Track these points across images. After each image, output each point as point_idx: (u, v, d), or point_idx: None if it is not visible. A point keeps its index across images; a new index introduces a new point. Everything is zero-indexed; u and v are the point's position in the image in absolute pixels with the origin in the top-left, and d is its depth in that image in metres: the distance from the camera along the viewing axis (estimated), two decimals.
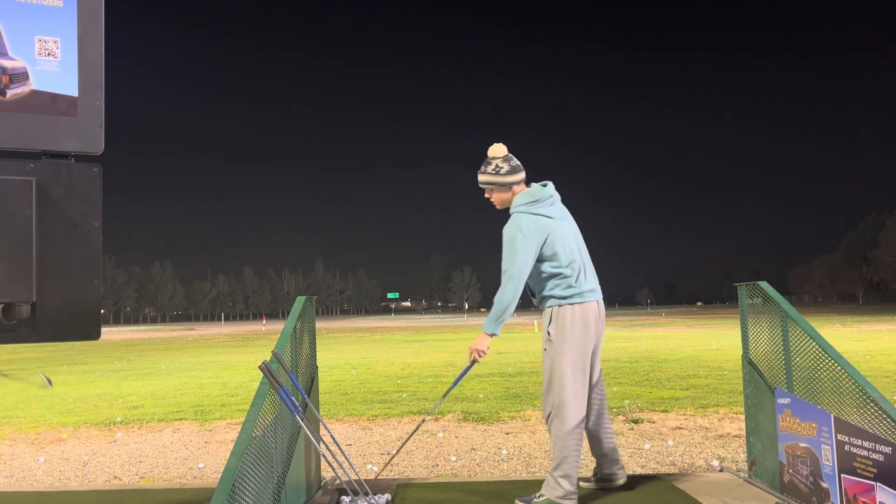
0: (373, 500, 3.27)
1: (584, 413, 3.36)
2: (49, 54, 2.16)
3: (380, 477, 4.19)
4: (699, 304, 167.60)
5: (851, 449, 2.84)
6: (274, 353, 3.16)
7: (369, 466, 4.83)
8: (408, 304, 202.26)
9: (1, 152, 2.12)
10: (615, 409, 6.91)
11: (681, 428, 6.01)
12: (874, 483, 2.71)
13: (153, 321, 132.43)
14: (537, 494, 3.34)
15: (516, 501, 3.38)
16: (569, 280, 3.37)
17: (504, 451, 5.24)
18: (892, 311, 50.17)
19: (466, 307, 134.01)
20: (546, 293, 3.42)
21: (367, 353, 17.23)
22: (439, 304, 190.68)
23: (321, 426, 3.80)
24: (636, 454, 5.08)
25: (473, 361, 3.49)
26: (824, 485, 3.02)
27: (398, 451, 4.12)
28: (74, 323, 2.16)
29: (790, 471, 3.33)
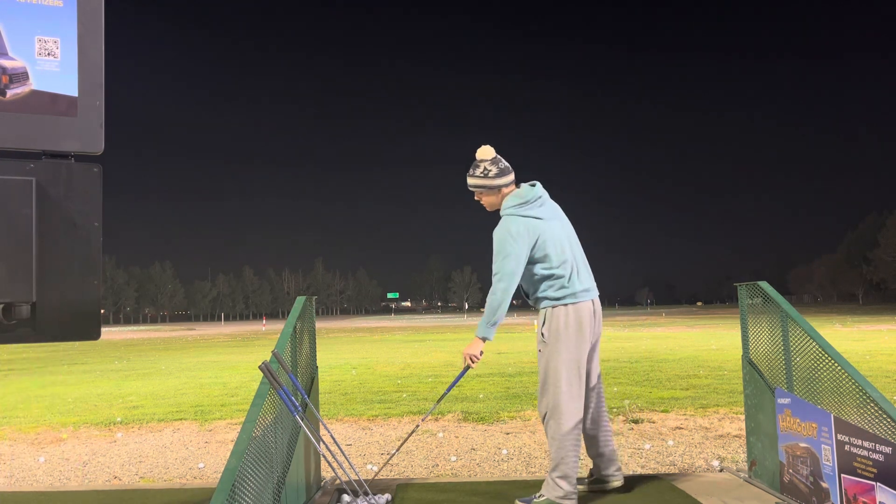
0: (373, 501, 3.27)
1: (580, 413, 3.36)
2: (49, 54, 2.16)
3: (379, 477, 4.19)
4: (699, 304, 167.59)
5: (851, 449, 2.84)
6: (274, 353, 3.16)
7: (369, 466, 4.83)
8: (408, 304, 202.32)
9: (1, 152, 2.12)
10: (615, 410, 6.91)
11: (681, 428, 6.01)
12: (874, 483, 2.71)
13: (153, 321, 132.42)
14: (537, 495, 3.34)
15: (516, 502, 3.38)
16: (562, 280, 3.36)
17: (504, 451, 5.24)
18: (892, 311, 50.17)
19: (466, 307, 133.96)
20: (540, 294, 3.42)
21: (367, 353, 17.23)
22: (439, 304, 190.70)
23: (321, 426, 3.80)
24: (636, 454, 5.08)
25: (467, 367, 3.49)
26: (824, 485, 3.02)
27: (394, 454, 4.12)
28: (74, 323, 2.16)
29: (790, 471, 3.33)
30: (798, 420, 3.25)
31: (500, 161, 3.49)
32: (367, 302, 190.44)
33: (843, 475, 2.90)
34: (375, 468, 4.72)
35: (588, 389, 3.50)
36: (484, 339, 3.38)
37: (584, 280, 3.44)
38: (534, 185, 3.50)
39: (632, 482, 3.75)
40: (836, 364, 3.09)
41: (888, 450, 2.64)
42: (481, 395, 8.26)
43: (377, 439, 5.91)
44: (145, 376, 12.56)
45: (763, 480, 3.69)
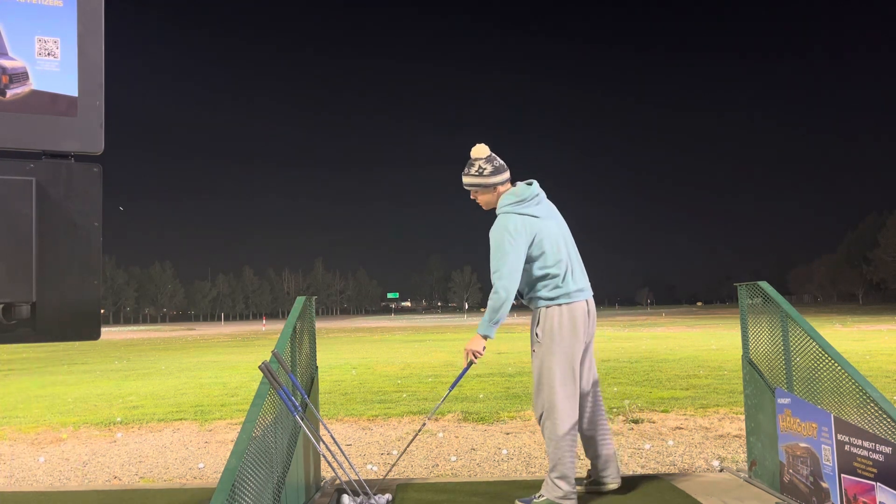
0: (373, 501, 3.27)
1: (576, 414, 3.35)
2: (49, 54, 2.15)
3: (379, 477, 4.19)
4: (699, 304, 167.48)
5: (851, 449, 2.84)
6: (274, 353, 3.16)
7: (369, 466, 4.83)
8: (408, 304, 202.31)
9: (1, 152, 2.12)
10: (615, 410, 6.91)
11: (681, 428, 6.01)
12: (874, 483, 2.71)
13: (153, 321, 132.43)
14: (537, 495, 3.34)
15: (516, 502, 3.38)
16: (556, 280, 3.35)
17: (504, 452, 5.24)
18: (892, 311, 50.16)
19: (466, 307, 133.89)
20: (534, 294, 3.41)
21: (367, 353, 17.23)
22: (439, 304, 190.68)
23: (321, 426, 3.80)
24: (636, 454, 5.08)
25: (470, 363, 3.48)
26: (824, 485, 3.02)
27: (401, 454, 4.12)
28: (74, 323, 2.15)
29: (790, 471, 3.33)
30: (798, 420, 3.25)
31: (495, 159, 3.48)
32: (367, 302, 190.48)
33: (843, 475, 2.90)
34: (376, 468, 4.72)
35: (584, 390, 3.49)
36: (485, 337, 3.37)
37: (578, 280, 3.43)
38: (531, 184, 3.49)
39: (632, 482, 3.75)
40: (836, 364, 3.09)
41: (888, 450, 2.64)
42: (481, 395, 8.26)
43: (377, 439, 5.91)
44: (145, 376, 12.56)
45: (763, 480, 3.69)
